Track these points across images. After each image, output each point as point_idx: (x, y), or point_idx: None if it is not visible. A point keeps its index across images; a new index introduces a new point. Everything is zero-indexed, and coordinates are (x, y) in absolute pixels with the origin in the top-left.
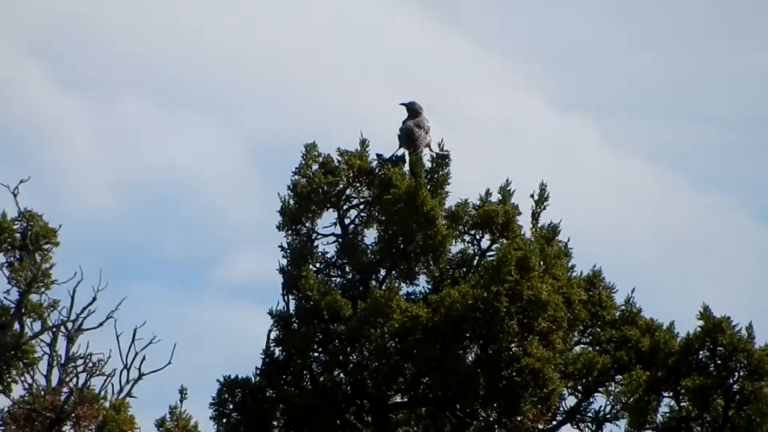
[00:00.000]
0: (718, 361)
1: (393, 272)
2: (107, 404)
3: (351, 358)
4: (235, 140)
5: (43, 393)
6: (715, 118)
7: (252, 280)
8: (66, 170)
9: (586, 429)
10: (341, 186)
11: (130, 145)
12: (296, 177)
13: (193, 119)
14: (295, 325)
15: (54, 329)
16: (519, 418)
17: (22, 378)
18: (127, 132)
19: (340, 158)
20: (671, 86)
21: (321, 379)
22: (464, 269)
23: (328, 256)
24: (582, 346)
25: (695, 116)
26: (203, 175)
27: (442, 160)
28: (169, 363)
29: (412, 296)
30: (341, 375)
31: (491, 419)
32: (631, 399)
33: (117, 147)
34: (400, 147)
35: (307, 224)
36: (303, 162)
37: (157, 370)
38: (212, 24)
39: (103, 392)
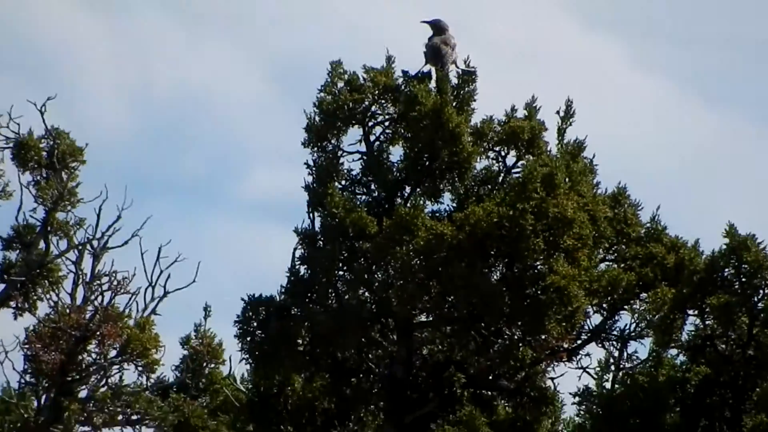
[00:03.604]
0: (743, 279)
1: (418, 189)
2: (132, 322)
3: (376, 276)
4: (256, 58)
5: (68, 311)
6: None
7: (276, 198)
8: (84, 89)
9: (611, 347)
10: (366, 103)
11: (147, 62)
12: (322, 94)
13: (212, 36)
14: (321, 242)
15: (79, 247)
16: (544, 336)
17: (48, 296)
18: (144, 49)
19: (365, 75)
20: (694, 10)
21: (346, 297)
22: (489, 186)
23: (354, 173)
24: (607, 263)
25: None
26: (224, 93)
27: (468, 76)
28: (194, 281)
29: (437, 214)
30: (366, 293)
31: (516, 337)
32: (656, 317)
33: (134, 65)
34: (426, 64)
35: (332, 141)
36: (328, 79)
37: (182, 288)
38: None
39: (127, 310)
